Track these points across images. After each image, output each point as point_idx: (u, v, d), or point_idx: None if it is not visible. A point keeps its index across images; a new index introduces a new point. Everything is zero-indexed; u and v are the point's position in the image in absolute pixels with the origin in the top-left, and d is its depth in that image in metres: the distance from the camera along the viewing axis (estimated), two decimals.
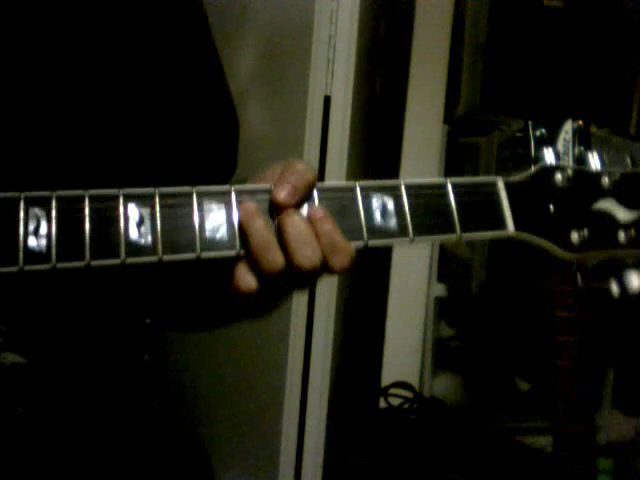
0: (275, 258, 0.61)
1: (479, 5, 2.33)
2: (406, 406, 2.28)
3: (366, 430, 2.18)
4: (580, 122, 1.01)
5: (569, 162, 0.97)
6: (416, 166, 2.31)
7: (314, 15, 1.86)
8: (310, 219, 0.62)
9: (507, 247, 0.69)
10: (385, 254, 2.30)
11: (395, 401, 2.29)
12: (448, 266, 2.42)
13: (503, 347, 2.32)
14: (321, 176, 1.90)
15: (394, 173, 2.29)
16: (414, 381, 2.37)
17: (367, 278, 2.25)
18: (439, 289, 2.43)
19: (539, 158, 0.76)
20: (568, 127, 1.00)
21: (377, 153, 2.32)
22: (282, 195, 0.62)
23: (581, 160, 0.73)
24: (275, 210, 0.62)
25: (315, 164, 1.88)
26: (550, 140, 0.99)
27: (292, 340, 1.94)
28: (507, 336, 2.28)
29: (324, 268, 0.62)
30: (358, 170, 2.11)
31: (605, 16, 2.30)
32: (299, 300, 1.91)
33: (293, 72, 1.94)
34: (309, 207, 0.63)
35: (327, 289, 1.95)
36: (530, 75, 2.23)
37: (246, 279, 0.62)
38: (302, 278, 0.63)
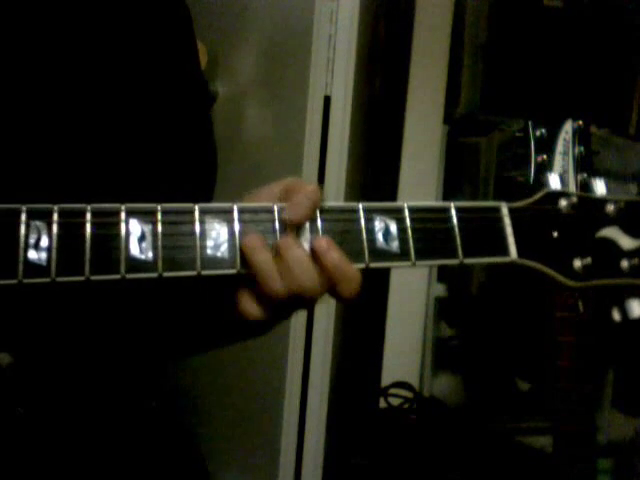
0: (277, 288, 0.61)
1: (479, 5, 2.33)
2: (406, 406, 2.28)
3: (366, 430, 2.18)
4: (580, 122, 1.01)
5: (569, 163, 0.97)
6: (416, 166, 2.31)
7: (314, 15, 1.86)
8: (316, 250, 0.62)
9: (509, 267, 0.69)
10: None
11: (395, 401, 2.29)
12: (448, 266, 2.42)
13: (503, 347, 2.32)
14: (321, 176, 1.90)
15: (394, 173, 2.28)
16: (414, 381, 2.36)
17: (367, 278, 2.25)
18: (439, 289, 2.43)
19: (543, 183, 0.76)
20: (568, 127, 1.00)
21: (377, 153, 2.32)
22: (292, 215, 0.62)
23: (585, 185, 0.72)
24: (281, 230, 0.62)
25: (315, 164, 1.88)
26: (550, 140, 0.99)
27: (292, 340, 1.94)
28: (507, 336, 2.28)
29: (334, 296, 0.63)
30: (358, 170, 2.11)
31: (605, 16, 2.30)
32: None
33: (293, 72, 1.94)
34: (312, 237, 0.63)
35: None
36: (530, 75, 2.23)
37: (251, 308, 0.62)
38: (304, 303, 0.64)
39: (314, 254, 0.62)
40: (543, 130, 0.99)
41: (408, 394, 2.29)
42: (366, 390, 2.30)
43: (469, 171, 2.31)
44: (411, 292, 2.38)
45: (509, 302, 2.21)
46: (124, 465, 0.80)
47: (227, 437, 2.04)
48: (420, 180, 2.31)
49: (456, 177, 2.35)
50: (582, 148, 0.99)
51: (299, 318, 1.93)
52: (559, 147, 0.98)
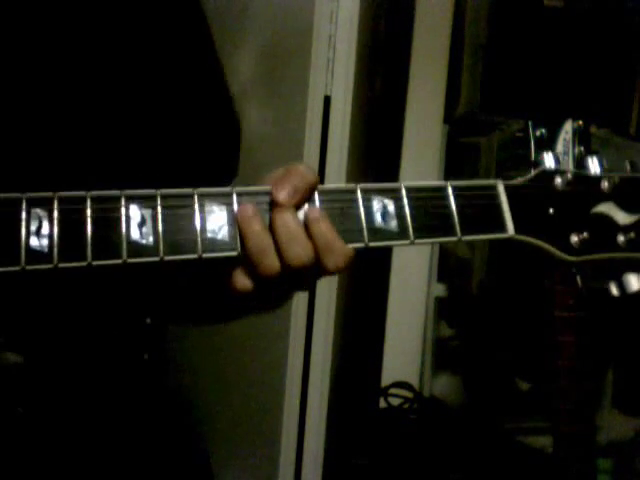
0: (270, 262, 0.61)
1: (479, 5, 2.33)
2: (406, 406, 2.28)
3: (366, 430, 2.18)
4: (580, 122, 1.01)
5: (569, 163, 0.97)
6: (416, 166, 2.31)
7: (314, 15, 1.86)
8: (306, 219, 0.62)
9: (507, 247, 0.69)
10: (385, 254, 2.30)
11: (395, 401, 2.29)
12: (448, 266, 2.42)
13: (503, 347, 2.32)
14: (321, 176, 1.90)
15: (394, 173, 2.29)
16: (414, 381, 2.36)
17: (367, 278, 2.25)
18: (439, 289, 2.43)
19: (539, 162, 0.76)
20: (568, 127, 1.00)
21: (377, 153, 2.32)
22: (282, 195, 0.62)
23: (581, 163, 0.73)
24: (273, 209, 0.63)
25: (315, 164, 1.88)
26: (550, 140, 0.99)
27: (292, 340, 1.94)
28: (507, 336, 2.28)
29: (319, 268, 0.63)
30: (358, 170, 2.11)
31: (605, 16, 2.30)
32: (299, 300, 1.91)
33: (293, 72, 1.93)
34: (308, 207, 0.63)
35: (327, 289, 1.95)
36: (530, 75, 2.23)
37: (242, 281, 0.62)
38: (298, 278, 0.63)
39: (305, 224, 0.62)
40: (543, 130, 0.99)
41: (408, 394, 2.29)
42: (366, 390, 2.31)
43: (469, 171, 2.31)
44: (411, 292, 2.38)
45: (509, 302, 2.21)
46: (125, 466, 0.80)
47: (227, 437, 2.04)
48: (420, 180, 2.30)
49: (456, 177, 2.35)
50: (582, 148, 0.99)
51: (299, 318, 1.92)
52: (559, 147, 0.98)
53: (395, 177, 2.28)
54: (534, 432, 2.21)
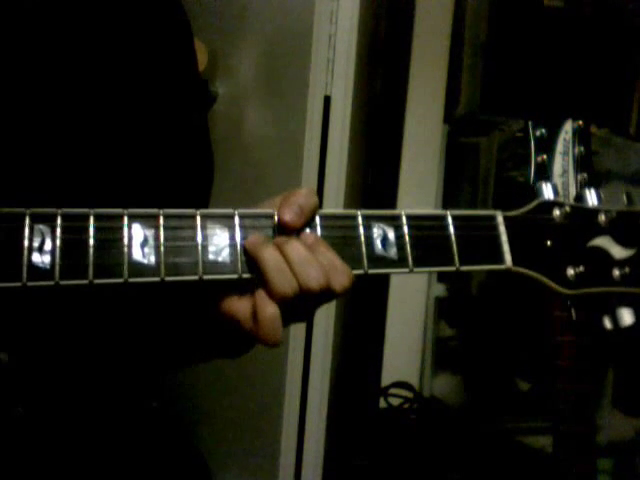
0: (290, 281, 0.61)
1: (479, 5, 2.33)
2: (406, 406, 2.28)
3: (366, 430, 2.18)
4: (580, 122, 1.01)
5: (569, 164, 0.97)
6: (416, 166, 2.31)
7: (314, 15, 1.86)
8: (306, 244, 0.63)
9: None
10: None
11: (395, 401, 2.29)
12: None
13: (503, 347, 2.32)
14: (321, 176, 1.89)
15: (394, 173, 2.28)
16: (414, 381, 2.36)
17: (367, 278, 2.25)
18: (439, 289, 2.43)
19: (537, 192, 0.77)
20: (568, 127, 1.00)
21: (377, 153, 2.32)
22: (288, 216, 0.62)
23: (579, 194, 0.74)
24: (279, 232, 0.63)
25: (315, 164, 1.88)
26: (550, 140, 0.99)
27: (292, 340, 1.94)
28: (507, 336, 2.28)
29: (327, 290, 0.63)
30: (358, 170, 2.11)
31: (605, 16, 2.30)
32: None
33: (293, 72, 1.94)
34: (304, 234, 0.64)
35: None
36: (530, 75, 2.23)
37: (242, 306, 0.63)
38: (308, 303, 0.64)
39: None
40: (543, 130, 0.99)
41: (408, 394, 2.29)
42: (366, 390, 2.30)
43: (469, 171, 2.31)
44: (411, 292, 2.38)
45: (509, 302, 2.21)
46: (124, 465, 0.80)
47: (227, 437, 2.04)
48: (420, 180, 2.31)
49: (456, 177, 2.35)
50: (582, 148, 0.99)
51: None
52: (559, 147, 0.98)
53: (395, 177, 2.28)
54: (534, 432, 2.21)
